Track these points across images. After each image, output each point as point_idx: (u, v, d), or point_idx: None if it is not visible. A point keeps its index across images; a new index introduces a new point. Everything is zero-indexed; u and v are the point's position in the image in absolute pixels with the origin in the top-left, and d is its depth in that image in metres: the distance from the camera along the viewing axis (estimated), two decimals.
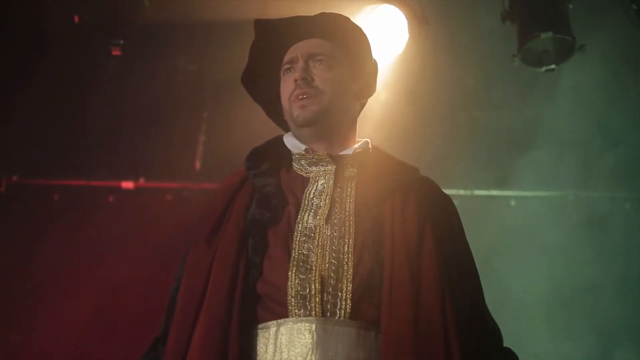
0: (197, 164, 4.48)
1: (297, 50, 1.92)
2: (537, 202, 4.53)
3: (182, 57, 4.19)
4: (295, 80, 1.86)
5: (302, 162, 1.88)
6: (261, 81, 1.99)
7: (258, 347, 1.65)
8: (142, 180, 4.47)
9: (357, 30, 2.01)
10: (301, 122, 1.86)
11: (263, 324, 1.66)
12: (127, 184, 4.44)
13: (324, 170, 1.85)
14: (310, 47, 1.92)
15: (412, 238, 1.70)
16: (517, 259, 4.27)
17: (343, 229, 1.73)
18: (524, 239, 4.30)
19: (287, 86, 1.89)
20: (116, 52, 3.75)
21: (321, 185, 1.82)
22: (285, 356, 1.61)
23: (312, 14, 1.96)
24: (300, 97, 1.85)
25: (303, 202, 1.79)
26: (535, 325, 4.11)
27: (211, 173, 4.30)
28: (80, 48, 3.96)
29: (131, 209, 4.36)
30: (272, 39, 1.96)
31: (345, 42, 1.99)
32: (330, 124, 1.90)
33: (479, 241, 4.07)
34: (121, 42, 3.73)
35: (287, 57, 1.93)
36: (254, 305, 1.68)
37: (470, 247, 1.89)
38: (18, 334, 3.94)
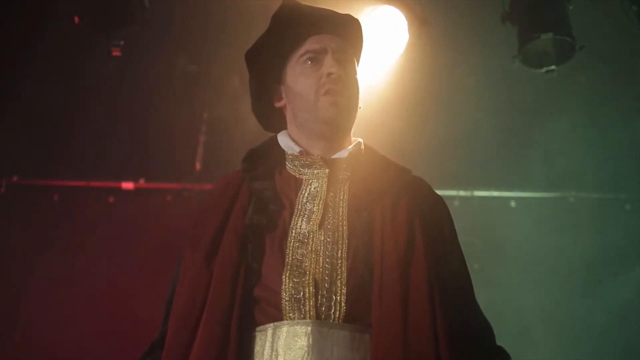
0: (198, 165, 4.47)
1: (324, 43, 1.88)
2: (537, 203, 4.53)
3: (182, 58, 4.19)
4: (330, 75, 1.83)
5: (296, 163, 1.87)
6: (265, 59, 1.94)
7: (255, 350, 1.65)
8: (142, 181, 4.47)
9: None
10: (328, 119, 1.83)
11: (260, 327, 1.67)
12: (127, 185, 4.43)
13: (317, 174, 1.83)
14: (340, 44, 1.90)
15: (402, 241, 1.70)
16: (517, 260, 4.27)
17: (336, 234, 1.72)
18: (524, 241, 4.30)
19: (314, 77, 1.84)
20: (116, 52, 3.75)
21: (314, 188, 1.81)
22: (281, 359, 1.61)
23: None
24: (332, 93, 1.82)
25: (296, 207, 1.78)
26: (533, 326, 4.11)
27: (211, 174, 4.30)
28: (80, 48, 3.95)
29: (131, 209, 4.36)
30: (297, 21, 1.90)
31: (359, 50, 2.01)
32: (347, 126, 1.90)
33: (479, 242, 4.12)
34: (121, 42, 3.72)
35: (310, 46, 1.88)
36: (252, 308, 1.68)
37: (470, 247, 1.89)
38: (18, 333, 3.93)
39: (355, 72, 1.92)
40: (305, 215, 1.76)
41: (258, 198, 1.80)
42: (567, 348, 4.04)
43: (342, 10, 1.99)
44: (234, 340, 1.62)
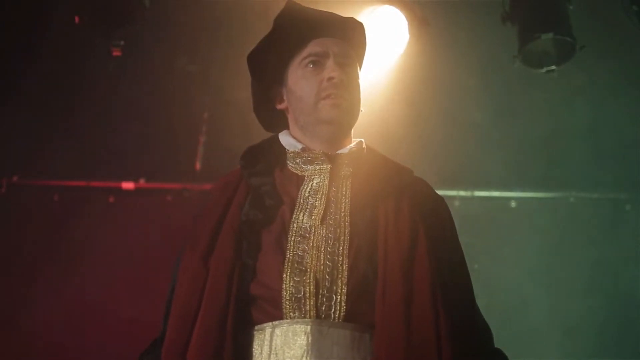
0: (198, 165, 4.47)
1: (326, 46, 1.88)
2: (537, 204, 4.53)
3: (182, 58, 4.18)
4: (331, 79, 1.83)
5: (297, 161, 1.87)
6: (267, 62, 1.94)
7: (253, 349, 1.65)
8: (142, 181, 4.46)
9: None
10: (330, 119, 1.84)
11: (258, 326, 1.66)
12: (127, 185, 4.43)
13: (320, 169, 1.84)
14: (342, 48, 1.90)
15: (405, 242, 1.70)
16: (517, 260, 4.27)
17: (338, 230, 1.72)
18: (524, 241, 4.30)
19: (316, 81, 1.85)
20: (117, 52, 3.75)
21: (316, 184, 1.81)
22: (280, 358, 1.61)
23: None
24: (333, 97, 1.83)
25: (298, 201, 1.78)
26: (533, 326, 4.11)
27: (211, 174, 4.29)
28: (80, 48, 3.96)
29: (131, 209, 4.35)
30: (299, 24, 1.90)
31: (362, 53, 2.02)
32: (348, 126, 1.91)
33: (479, 242, 4.12)
34: (122, 42, 3.72)
35: (313, 49, 1.88)
36: (250, 306, 1.68)
37: (470, 247, 1.89)
38: (18, 333, 3.93)
39: (357, 76, 1.93)
40: (307, 210, 1.76)
41: (255, 193, 1.80)
42: (567, 347, 4.04)
43: (342, 10, 1.99)
44: (230, 338, 1.62)
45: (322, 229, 1.72)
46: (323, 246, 1.70)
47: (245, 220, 1.75)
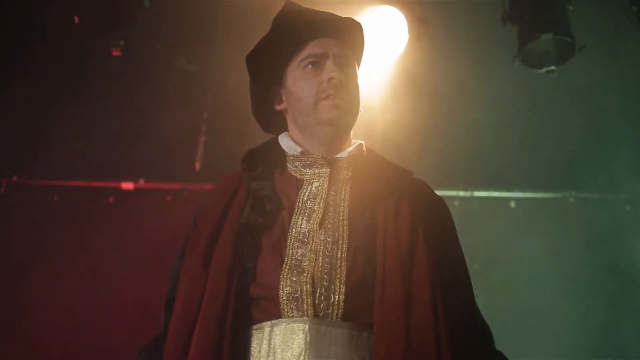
0: (197, 165, 4.47)
1: (325, 47, 1.88)
2: (536, 204, 4.53)
3: (182, 58, 4.19)
4: (330, 80, 1.83)
5: (297, 164, 1.87)
6: (266, 62, 1.94)
7: (252, 348, 1.66)
8: (142, 181, 4.47)
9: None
10: (329, 120, 1.84)
11: (257, 325, 1.67)
12: (127, 185, 4.44)
13: (319, 173, 1.84)
14: (341, 49, 1.90)
15: (405, 243, 1.70)
16: (517, 260, 4.27)
17: (337, 234, 1.72)
18: (524, 241, 4.30)
19: (315, 82, 1.85)
20: (116, 52, 3.75)
21: (315, 188, 1.81)
22: (278, 356, 1.61)
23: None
24: (333, 98, 1.83)
25: (297, 206, 1.78)
26: (533, 326, 4.11)
27: (211, 174, 4.29)
28: (80, 48, 3.96)
29: (131, 209, 4.36)
30: (298, 24, 1.90)
31: (360, 54, 2.02)
32: (347, 127, 1.91)
33: (479, 242, 4.12)
34: (121, 42, 3.73)
35: (312, 50, 1.88)
36: (249, 307, 1.69)
37: (470, 247, 1.88)
38: (18, 333, 3.93)
39: (355, 76, 1.93)
40: (306, 214, 1.76)
41: (255, 197, 1.81)
42: (567, 348, 4.04)
43: (342, 10, 1.99)
44: (229, 338, 1.62)
45: (321, 233, 1.72)
46: (321, 250, 1.70)
47: (245, 224, 1.76)
